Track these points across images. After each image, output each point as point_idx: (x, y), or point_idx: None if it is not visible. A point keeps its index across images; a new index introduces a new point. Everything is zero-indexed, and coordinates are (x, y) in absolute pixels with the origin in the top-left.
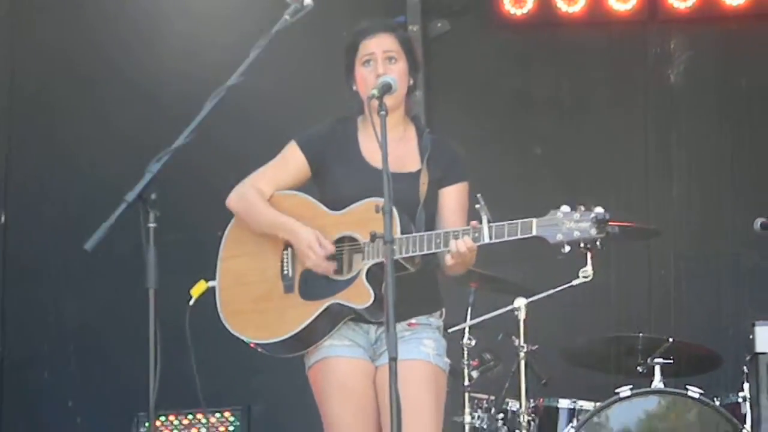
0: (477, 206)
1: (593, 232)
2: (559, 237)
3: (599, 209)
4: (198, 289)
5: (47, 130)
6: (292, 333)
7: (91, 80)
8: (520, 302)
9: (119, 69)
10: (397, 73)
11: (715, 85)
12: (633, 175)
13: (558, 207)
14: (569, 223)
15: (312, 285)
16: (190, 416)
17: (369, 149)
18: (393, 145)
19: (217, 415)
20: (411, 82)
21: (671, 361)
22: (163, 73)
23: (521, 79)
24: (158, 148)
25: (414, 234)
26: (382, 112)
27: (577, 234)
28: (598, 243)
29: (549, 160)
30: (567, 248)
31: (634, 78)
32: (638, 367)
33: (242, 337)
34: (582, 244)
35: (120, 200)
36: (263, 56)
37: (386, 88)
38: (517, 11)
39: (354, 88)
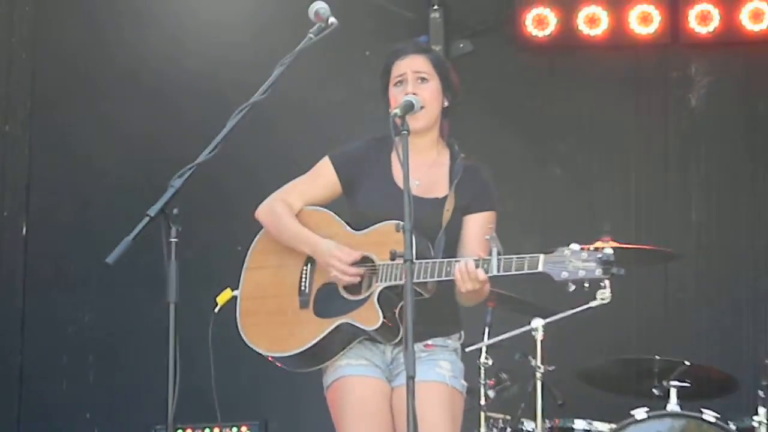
0: (487, 237)
1: (598, 272)
2: (564, 275)
3: (608, 250)
4: (224, 297)
5: (67, 142)
6: (303, 348)
7: (109, 93)
8: (538, 323)
9: (137, 80)
10: (428, 93)
11: (736, 110)
12: (652, 197)
13: (568, 243)
14: (576, 262)
15: (326, 302)
16: (207, 430)
17: (399, 170)
18: (424, 169)
19: (234, 429)
20: (446, 103)
21: (687, 384)
22: (182, 83)
23: (542, 100)
24: (175, 157)
25: (426, 260)
26: (404, 132)
27: (582, 273)
28: (603, 284)
29: (568, 181)
30: (572, 287)
31: (654, 101)
32: (654, 390)
33: (256, 349)
34: (586, 285)
35: (139, 212)
36: (287, 73)
37: (408, 108)
38: (540, 33)
39: (389, 109)
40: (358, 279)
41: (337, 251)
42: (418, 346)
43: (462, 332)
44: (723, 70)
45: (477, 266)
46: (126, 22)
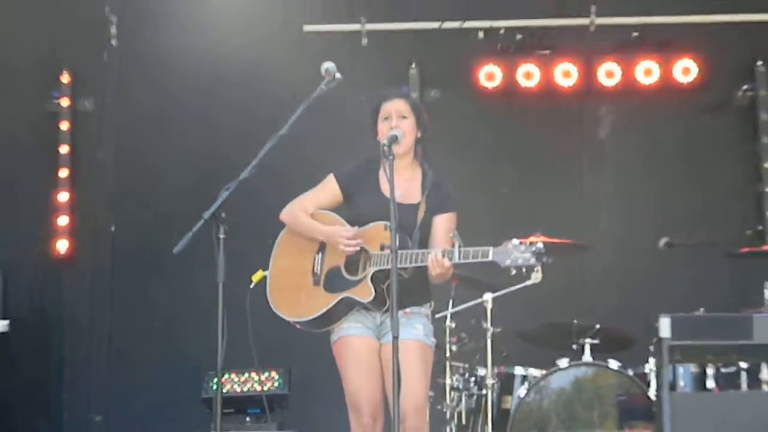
0: (451, 235)
1: (532, 261)
2: (507, 262)
3: (540, 245)
4: (257, 276)
5: (141, 161)
6: (316, 315)
7: (178, 125)
8: (488, 296)
9: (196, 111)
10: (406, 127)
11: (633, 140)
12: (573, 204)
13: (511, 238)
14: (516, 253)
15: (332, 281)
16: (246, 374)
17: (385, 183)
18: (403, 182)
19: (266, 373)
20: (419, 135)
21: (597, 342)
22: (227, 112)
23: (492, 135)
24: (225, 173)
25: (407, 251)
26: (390, 157)
27: (520, 261)
28: (536, 269)
29: (512, 196)
30: (513, 272)
31: (573, 134)
32: (573, 345)
33: (281, 315)
34: (524, 269)
35: (198, 215)
36: (306, 113)
37: (393, 140)
38: (489, 84)
39: (377, 138)
40: (359, 248)
41: (342, 231)
42: (400, 313)
43: (432, 302)
44: (623, 111)
45: (443, 256)
46: (177, 63)
